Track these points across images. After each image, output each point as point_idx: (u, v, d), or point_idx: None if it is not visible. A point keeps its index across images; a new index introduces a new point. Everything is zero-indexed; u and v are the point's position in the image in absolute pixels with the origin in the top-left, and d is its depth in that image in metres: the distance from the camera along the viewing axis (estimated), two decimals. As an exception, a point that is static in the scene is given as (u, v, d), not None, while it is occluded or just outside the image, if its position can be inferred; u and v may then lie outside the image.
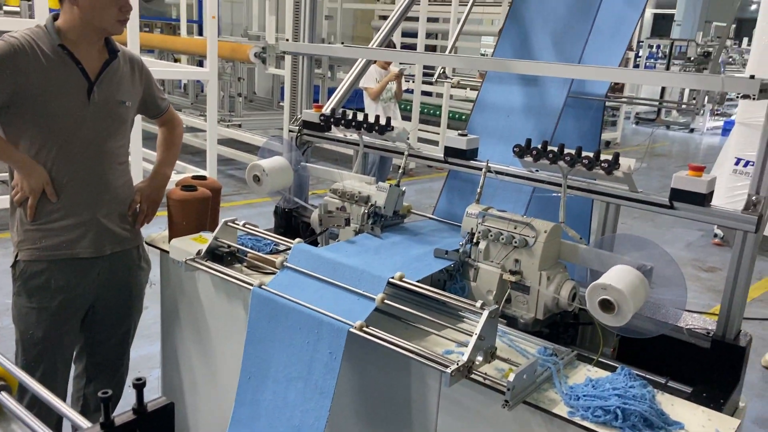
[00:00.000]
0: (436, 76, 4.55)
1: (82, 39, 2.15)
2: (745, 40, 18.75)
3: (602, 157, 1.87)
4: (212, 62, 6.69)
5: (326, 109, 2.68)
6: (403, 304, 1.77)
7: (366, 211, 2.26)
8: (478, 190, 2.13)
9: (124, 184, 2.35)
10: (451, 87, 8.87)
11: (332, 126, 2.53)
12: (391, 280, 1.79)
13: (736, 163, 6.43)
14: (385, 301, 1.75)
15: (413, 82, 9.00)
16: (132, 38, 5.94)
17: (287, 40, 3.60)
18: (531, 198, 2.35)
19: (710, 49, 14.66)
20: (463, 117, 10.52)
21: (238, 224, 2.21)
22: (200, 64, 9.78)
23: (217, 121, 7.21)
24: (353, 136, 2.57)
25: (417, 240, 2.24)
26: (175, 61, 10.79)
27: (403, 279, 1.80)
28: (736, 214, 1.78)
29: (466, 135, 2.32)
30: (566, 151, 1.93)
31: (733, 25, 20.78)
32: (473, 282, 2.01)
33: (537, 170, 2.16)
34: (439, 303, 1.85)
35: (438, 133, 9.45)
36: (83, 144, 2.19)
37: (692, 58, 14.41)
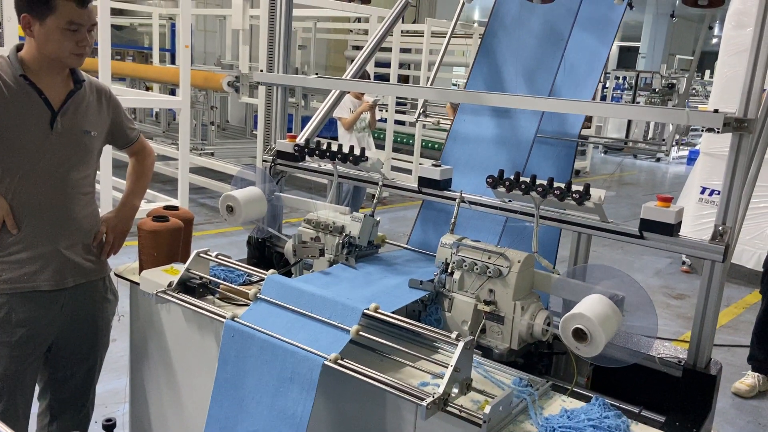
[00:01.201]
0: (417, 115, 4.60)
1: (43, 69, 2.13)
2: (707, 72, 19.40)
3: (573, 187, 1.90)
4: (185, 91, 6.67)
5: (300, 139, 2.69)
6: (379, 336, 1.75)
7: (340, 241, 2.25)
8: (452, 220, 2.15)
9: (89, 215, 2.31)
10: (428, 127, 8.98)
11: (306, 156, 2.54)
12: (366, 311, 1.78)
13: (702, 192, 6.59)
14: (360, 333, 1.74)
15: (386, 111, 9.08)
16: (103, 67, 5.90)
17: (261, 70, 3.61)
18: (504, 228, 2.37)
19: (674, 81, 15.12)
20: (436, 146, 10.64)
21: (210, 255, 2.18)
22: (172, 92, 9.75)
23: (189, 149, 7.17)
24: (327, 165, 2.58)
25: (392, 270, 2.24)
26: (147, 89, 10.74)
27: (378, 310, 1.79)
28: (703, 244, 1.82)
29: (439, 165, 2.34)
30: (538, 182, 1.96)
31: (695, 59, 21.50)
32: (448, 312, 2.01)
33: (510, 200, 2.19)
34: (414, 334, 1.84)
35: (411, 162, 9.53)
36: (45, 174, 2.15)
37: (657, 90, 14.84)
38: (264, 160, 2.78)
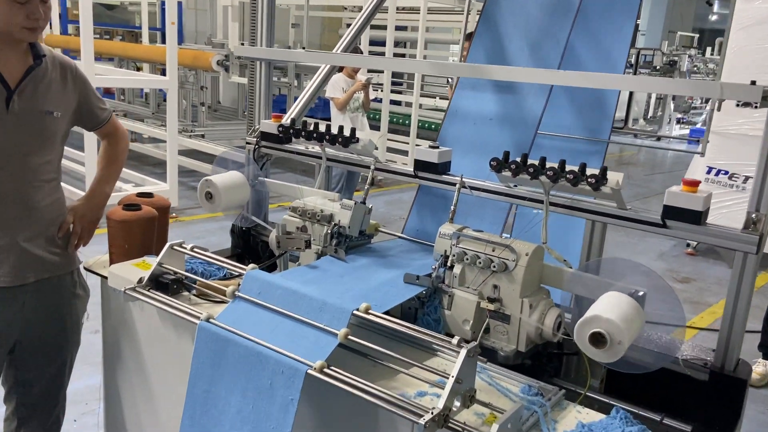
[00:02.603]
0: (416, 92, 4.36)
1: None
2: (708, 49, 19.09)
3: (588, 171, 1.70)
4: (172, 70, 6.42)
5: (286, 119, 2.47)
6: (370, 339, 1.56)
7: (329, 231, 2.05)
8: (452, 207, 1.94)
9: (52, 204, 2.10)
10: (426, 106, 8.73)
11: (293, 138, 2.32)
12: (355, 312, 1.58)
13: (708, 172, 6.38)
14: (350, 336, 1.54)
15: (381, 91, 8.83)
16: (86, 46, 5.65)
17: (242, 43, 3.37)
18: (508, 215, 2.16)
19: (675, 58, 14.84)
20: (433, 126, 10.38)
21: (185, 248, 1.98)
22: (163, 72, 9.46)
23: (178, 131, 6.94)
24: (315, 148, 2.36)
25: (385, 263, 2.04)
26: (138, 70, 10.45)
27: (370, 311, 1.59)
28: (735, 234, 1.62)
29: (437, 147, 2.13)
30: (548, 164, 1.75)
31: (696, 35, 21.18)
32: (448, 310, 1.81)
33: (516, 185, 1.98)
34: (410, 337, 1.64)
35: (407, 143, 9.29)
36: (1, 159, 1.94)
37: (658, 67, 14.57)
38: (248, 143, 2.57)
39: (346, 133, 2.17)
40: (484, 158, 1.91)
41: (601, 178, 1.67)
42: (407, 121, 10.26)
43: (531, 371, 1.72)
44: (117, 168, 2.35)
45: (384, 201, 7.90)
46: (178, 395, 1.89)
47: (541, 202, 1.87)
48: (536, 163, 1.76)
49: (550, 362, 1.87)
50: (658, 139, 15.78)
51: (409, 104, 10.70)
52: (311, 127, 2.24)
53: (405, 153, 9.30)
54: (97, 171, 2.31)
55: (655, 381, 1.72)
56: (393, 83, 9.13)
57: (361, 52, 6.14)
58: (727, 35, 5.96)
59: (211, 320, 1.69)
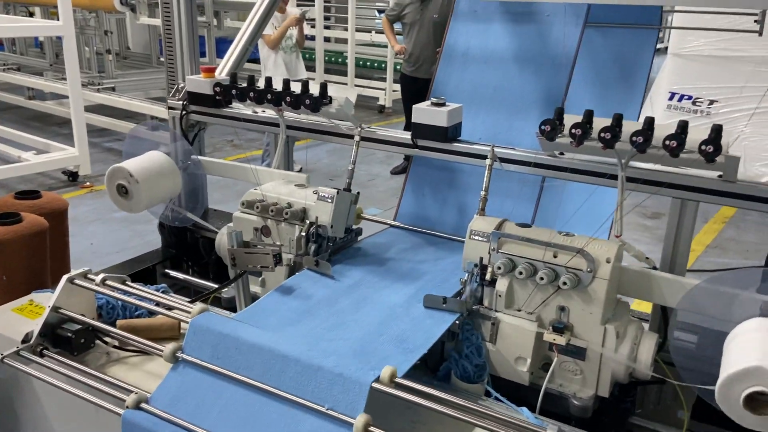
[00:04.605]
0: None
1: None
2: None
3: (691, 133, 1.15)
4: (66, 12, 5.43)
5: (221, 73, 1.80)
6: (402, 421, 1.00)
7: (303, 233, 1.44)
8: (482, 192, 1.36)
9: None
10: (361, 42, 7.93)
11: (234, 99, 1.66)
12: (375, 384, 1.00)
13: (670, 98, 6.01)
14: (371, 428, 0.97)
15: (313, 26, 7.98)
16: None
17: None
18: (541, 192, 1.60)
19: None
20: (368, 63, 9.62)
21: (92, 278, 1.33)
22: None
23: (82, 84, 5.98)
24: (268, 112, 1.72)
25: (385, 273, 1.46)
26: (30, 15, 9.13)
27: (396, 379, 1.02)
28: None
29: (443, 103, 1.53)
30: (627, 126, 1.20)
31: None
32: (491, 344, 1.27)
33: (561, 153, 1.42)
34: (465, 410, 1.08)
35: (345, 84, 8.53)
36: None
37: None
38: (170, 107, 1.88)
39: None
40: (496, 113, 1.35)
41: (717, 145, 1.12)
42: (340, 59, 9.46)
43: (601, 410, 1.23)
44: None
45: (325, 151, 7.21)
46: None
47: (605, 176, 1.33)
48: (611, 123, 1.20)
49: (627, 395, 1.37)
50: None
51: (340, 41, 9.87)
52: (262, 84, 1.58)
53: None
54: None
55: None
56: (325, 17, 8.29)
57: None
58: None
59: (142, 406, 1.08)
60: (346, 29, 8.65)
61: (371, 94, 8.42)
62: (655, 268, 1.31)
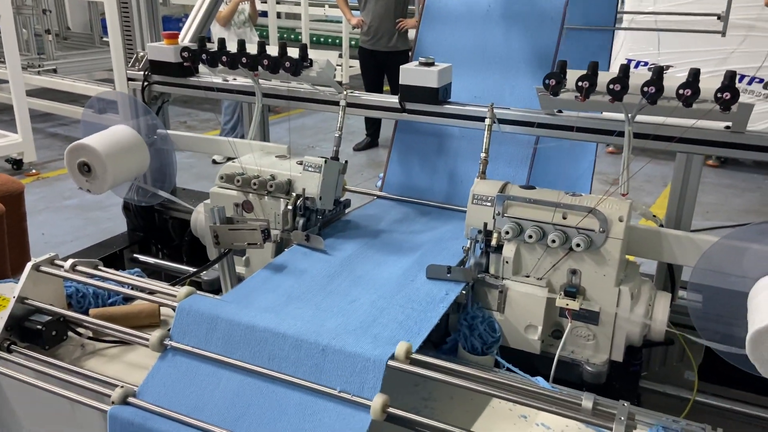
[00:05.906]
0: None
1: None
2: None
3: (704, 81, 1.10)
4: (0, -10, 5.08)
5: (186, 39, 1.66)
6: (418, 398, 0.93)
7: (290, 207, 1.34)
8: (482, 154, 1.28)
9: None
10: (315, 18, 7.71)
11: (204, 65, 1.53)
12: (391, 363, 0.92)
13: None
14: (390, 408, 0.89)
15: (266, 2, 7.72)
16: None
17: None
18: (534, 153, 1.54)
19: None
20: (322, 39, 9.42)
21: (60, 264, 1.21)
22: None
23: (22, 66, 5.65)
24: (240, 79, 1.60)
25: (380, 246, 1.37)
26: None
27: (411, 354, 0.94)
28: None
29: (432, 62, 1.44)
30: (635, 76, 1.14)
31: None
32: (499, 313, 1.20)
33: (559, 111, 1.36)
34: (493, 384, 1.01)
35: (299, 60, 8.31)
36: None
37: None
38: (130, 78, 1.74)
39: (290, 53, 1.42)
40: (482, 72, 1.29)
41: (734, 92, 1.07)
42: (294, 36, 9.24)
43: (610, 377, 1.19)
44: None
45: (284, 129, 7.04)
46: None
47: (612, 133, 1.27)
48: (618, 75, 1.14)
49: (634, 357, 1.33)
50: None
51: (291, 16, 9.64)
52: (234, 48, 1.46)
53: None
54: None
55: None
56: (275, -8, 8.03)
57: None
58: None
59: (129, 401, 0.98)
60: (298, 4, 8.43)
61: (328, 70, 8.23)
62: (662, 225, 1.26)
